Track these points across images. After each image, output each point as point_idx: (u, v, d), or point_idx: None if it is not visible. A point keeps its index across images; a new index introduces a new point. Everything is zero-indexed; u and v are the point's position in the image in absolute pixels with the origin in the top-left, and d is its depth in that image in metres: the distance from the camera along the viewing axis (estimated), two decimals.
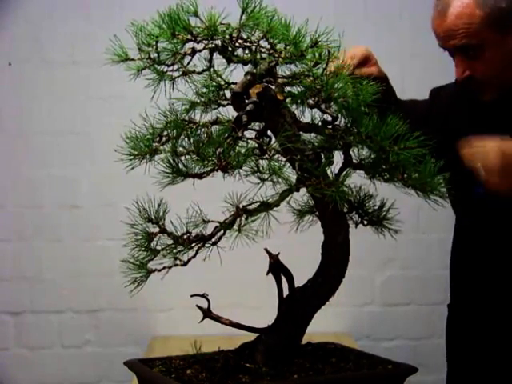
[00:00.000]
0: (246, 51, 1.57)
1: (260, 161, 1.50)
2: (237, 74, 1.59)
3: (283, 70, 1.57)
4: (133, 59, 1.56)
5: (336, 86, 1.52)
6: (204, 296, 1.66)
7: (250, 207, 1.54)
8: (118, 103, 3.29)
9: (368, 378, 1.61)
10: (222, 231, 1.55)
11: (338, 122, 1.58)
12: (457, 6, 1.84)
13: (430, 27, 1.92)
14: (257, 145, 1.50)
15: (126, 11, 3.21)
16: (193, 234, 1.57)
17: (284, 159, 1.54)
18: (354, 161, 1.59)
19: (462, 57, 1.87)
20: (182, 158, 1.52)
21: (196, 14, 1.53)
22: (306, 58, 1.54)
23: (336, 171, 1.59)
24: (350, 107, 1.54)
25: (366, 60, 1.93)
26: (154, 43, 1.54)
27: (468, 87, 1.93)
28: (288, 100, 1.56)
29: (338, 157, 1.60)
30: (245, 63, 1.56)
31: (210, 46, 1.55)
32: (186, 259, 1.56)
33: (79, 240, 3.37)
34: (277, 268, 1.66)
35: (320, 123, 1.59)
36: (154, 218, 1.58)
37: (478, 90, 1.92)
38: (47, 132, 3.34)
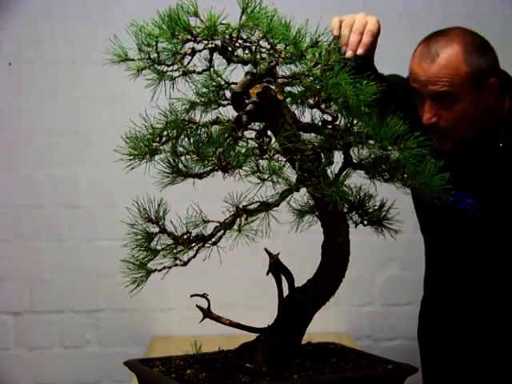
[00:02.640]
0: (246, 51, 1.56)
1: (260, 161, 1.50)
2: (237, 74, 1.59)
3: (283, 70, 1.57)
4: (133, 59, 1.56)
5: (336, 86, 1.52)
6: (204, 296, 1.66)
7: (250, 207, 1.54)
8: (118, 103, 3.28)
9: (368, 378, 1.61)
10: (222, 231, 1.55)
11: (337, 122, 1.58)
12: (446, 56, 1.96)
13: (410, 69, 2.01)
14: (257, 145, 1.50)
15: (125, 11, 3.20)
16: (193, 234, 1.57)
17: (284, 159, 1.54)
18: (354, 161, 1.59)
19: (433, 103, 1.98)
20: (182, 158, 1.52)
21: (196, 14, 1.53)
22: (305, 58, 1.54)
23: (336, 171, 1.59)
24: (350, 107, 1.54)
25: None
26: (154, 43, 1.54)
27: (431, 133, 1.97)
28: (288, 100, 1.55)
29: (338, 157, 1.60)
30: (245, 63, 1.56)
31: (209, 46, 1.55)
32: (186, 259, 1.56)
33: (79, 240, 3.37)
34: (277, 268, 1.66)
35: (320, 123, 1.59)
36: (154, 217, 1.58)
37: (437, 138, 1.95)
38: (47, 132, 3.33)
